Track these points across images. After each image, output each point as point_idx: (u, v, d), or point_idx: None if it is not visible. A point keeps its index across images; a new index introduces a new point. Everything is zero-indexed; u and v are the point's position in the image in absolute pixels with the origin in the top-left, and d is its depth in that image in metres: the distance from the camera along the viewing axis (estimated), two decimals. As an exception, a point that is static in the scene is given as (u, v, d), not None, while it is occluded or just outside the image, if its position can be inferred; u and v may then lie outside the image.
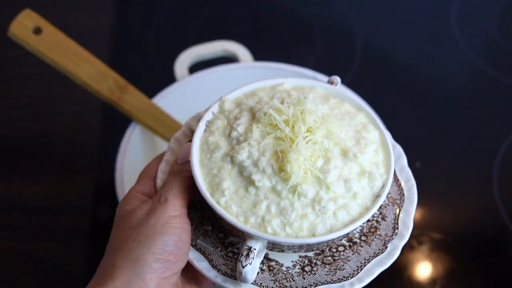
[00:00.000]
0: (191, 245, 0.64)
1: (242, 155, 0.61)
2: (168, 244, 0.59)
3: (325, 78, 1.03)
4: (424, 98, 1.22)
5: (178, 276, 0.61)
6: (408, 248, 1.03)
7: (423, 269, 1.01)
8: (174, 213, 0.60)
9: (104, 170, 1.10)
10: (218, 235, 0.66)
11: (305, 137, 0.61)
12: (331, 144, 0.62)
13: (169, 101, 1.02)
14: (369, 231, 0.66)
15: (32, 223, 1.07)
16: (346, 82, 1.16)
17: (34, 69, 1.24)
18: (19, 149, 1.16)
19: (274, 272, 0.64)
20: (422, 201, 1.10)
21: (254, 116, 0.64)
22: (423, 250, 1.03)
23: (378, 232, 0.66)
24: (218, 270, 0.63)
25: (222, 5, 1.35)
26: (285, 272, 0.65)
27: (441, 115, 1.20)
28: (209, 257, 0.64)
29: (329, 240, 0.60)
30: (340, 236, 0.60)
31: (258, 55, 1.10)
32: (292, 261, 0.66)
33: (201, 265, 0.63)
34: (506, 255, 1.03)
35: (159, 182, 0.67)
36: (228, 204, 0.60)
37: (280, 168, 0.60)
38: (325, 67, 1.16)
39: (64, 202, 1.09)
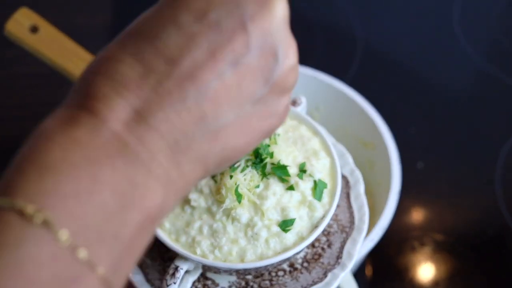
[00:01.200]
0: None
1: None
2: None
3: (325, 77, 1.03)
4: (425, 98, 1.22)
5: None
6: (409, 249, 1.02)
7: (425, 271, 1.01)
8: None
9: (103, 170, 1.10)
10: (159, 249, 0.65)
11: (247, 160, 0.60)
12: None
13: (168, 100, 1.01)
14: (313, 258, 0.65)
15: (30, 223, 1.07)
16: (347, 82, 1.16)
17: (34, 69, 1.23)
18: (19, 149, 1.16)
19: None
20: (423, 201, 1.10)
21: None
22: (425, 251, 1.02)
23: (321, 260, 0.64)
24: (152, 285, 0.63)
25: (223, 4, 1.35)
26: None
27: (442, 115, 1.19)
28: (145, 270, 0.63)
29: (257, 268, 0.59)
30: (268, 265, 0.59)
31: (258, 55, 1.09)
32: (229, 282, 0.65)
33: (136, 278, 0.63)
34: (509, 255, 1.03)
35: None
36: (162, 221, 0.60)
37: (217, 190, 0.59)
38: (325, 67, 1.15)
39: (63, 202, 1.08)
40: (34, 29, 0.91)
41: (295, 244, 0.59)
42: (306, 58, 1.29)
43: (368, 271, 1.01)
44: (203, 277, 0.65)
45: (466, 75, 1.26)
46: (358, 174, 0.68)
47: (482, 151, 1.14)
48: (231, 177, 0.58)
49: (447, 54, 1.28)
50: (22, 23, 0.90)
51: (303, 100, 0.70)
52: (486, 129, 1.17)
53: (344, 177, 0.68)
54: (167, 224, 0.60)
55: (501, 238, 1.05)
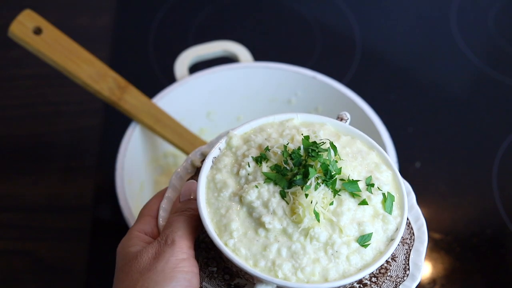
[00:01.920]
0: None
1: (252, 195, 0.59)
2: None
3: (324, 78, 1.03)
4: (424, 98, 1.22)
5: None
6: (408, 248, 1.03)
7: (423, 269, 1.01)
8: (182, 256, 0.58)
9: (104, 170, 1.10)
10: (224, 277, 0.63)
11: (317, 178, 0.59)
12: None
13: (169, 101, 1.02)
14: (380, 272, 0.64)
15: (32, 223, 1.07)
16: (346, 83, 1.16)
17: (34, 69, 1.24)
18: (19, 149, 1.16)
19: None
20: (421, 200, 1.10)
21: (263, 154, 0.61)
22: (423, 250, 1.03)
23: (388, 273, 0.63)
24: None
25: (222, 5, 1.35)
26: None
27: (440, 115, 1.20)
28: None
29: (342, 286, 0.58)
30: (353, 282, 0.58)
31: (258, 55, 1.10)
32: None
33: None
34: (505, 254, 1.03)
35: (161, 221, 0.64)
36: (237, 247, 0.58)
37: (292, 210, 0.58)
38: (325, 67, 1.16)
39: (64, 202, 1.09)
40: (37, 31, 0.91)
41: (375, 259, 0.59)
42: (306, 59, 1.30)
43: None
44: None
45: (463, 75, 1.26)
46: (408, 185, 0.68)
47: (479, 151, 1.15)
48: (306, 196, 0.57)
49: (444, 54, 1.28)
50: (25, 25, 0.90)
51: (348, 116, 0.70)
52: (484, 129, 1.17)
53: None
54: (242, 250, 0.58)
55: (498, 238, 1.05)
